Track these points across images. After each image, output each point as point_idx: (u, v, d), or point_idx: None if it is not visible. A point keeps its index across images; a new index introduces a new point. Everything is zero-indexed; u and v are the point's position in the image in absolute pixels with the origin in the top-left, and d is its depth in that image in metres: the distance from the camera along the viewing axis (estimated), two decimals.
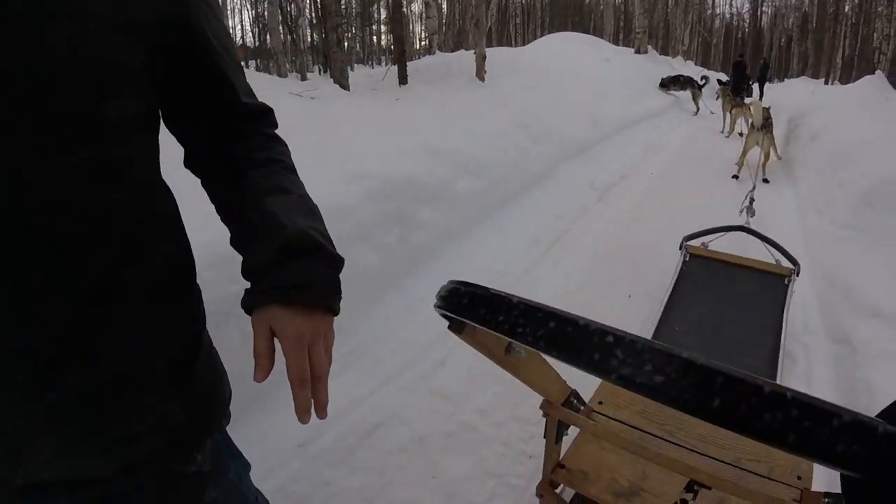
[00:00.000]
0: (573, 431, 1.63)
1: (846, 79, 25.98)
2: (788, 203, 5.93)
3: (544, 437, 1.52)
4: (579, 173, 6.31)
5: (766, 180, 6.66)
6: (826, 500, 1.32)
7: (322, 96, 5.56)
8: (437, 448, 2.34)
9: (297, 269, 0.70)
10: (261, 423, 2.34)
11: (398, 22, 9.31)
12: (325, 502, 2.05)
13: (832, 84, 22.77)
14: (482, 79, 7.70)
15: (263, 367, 0.67)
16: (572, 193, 5.68)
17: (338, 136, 4.15)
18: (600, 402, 1.83)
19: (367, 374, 2.77)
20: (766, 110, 7.09)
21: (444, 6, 25.64)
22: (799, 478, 1.57)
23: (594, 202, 5.68)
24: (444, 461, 2.27)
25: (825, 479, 2.15)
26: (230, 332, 2.48)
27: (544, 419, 1.49)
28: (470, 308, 0.71)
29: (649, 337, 2.78)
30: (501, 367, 1.10)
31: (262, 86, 5.33)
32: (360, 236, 3.30)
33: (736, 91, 11.94)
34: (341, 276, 0.78)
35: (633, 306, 3.61)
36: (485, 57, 7.84)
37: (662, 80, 13.48)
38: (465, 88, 7.02)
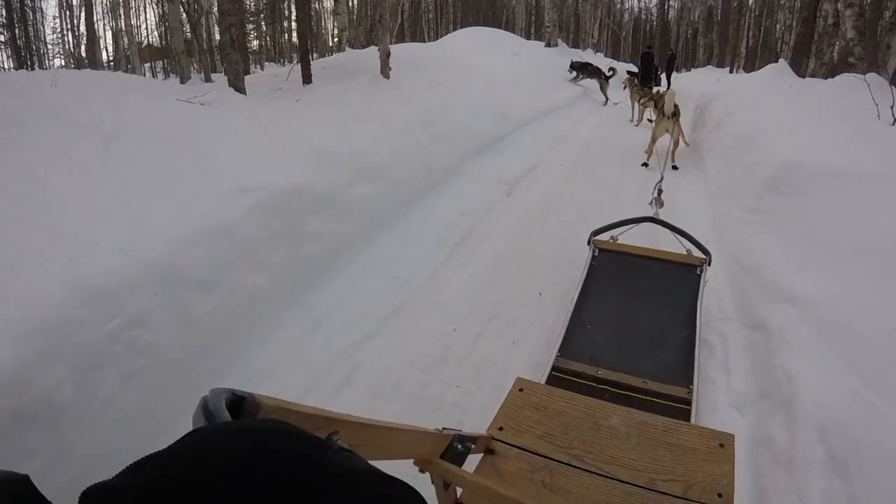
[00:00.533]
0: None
1: (750, 68, 27.31)
2: (698, 189, 6.08)
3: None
4: (486, 168, 6.29)
5: (675, 167, 6.82)
6: None
7: (214, 101, 5.27)
8: None
9: None
10: None
11: (302, 19, 9.08)
12: None
13: (737, 73, 23.83)
14: (387, 76, 7.56)
15: None
16: (479, 189, 5.64)
17: (222, 147, 3.91)
18: (500, 429, 1.70)
19: None
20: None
21: (355, 2, 25.16)
22: (720, 495, 1.48)
23: (502, 197, 5.66)
24: None
25: (748, 493, 2.16)
26: (109, 376, 2.28)
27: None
28: None
29: (561, 337, 2.74)
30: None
31: (151, 92, 5.03)
32: (247, 256, 3.11)
33: (644, 81, 12.28)
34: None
35: (544, 304, 3.58)
36: (389, 53, 7.69)
37: (573, 62, 13.77)
38: (369, 86, 6.86)
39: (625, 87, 11.27)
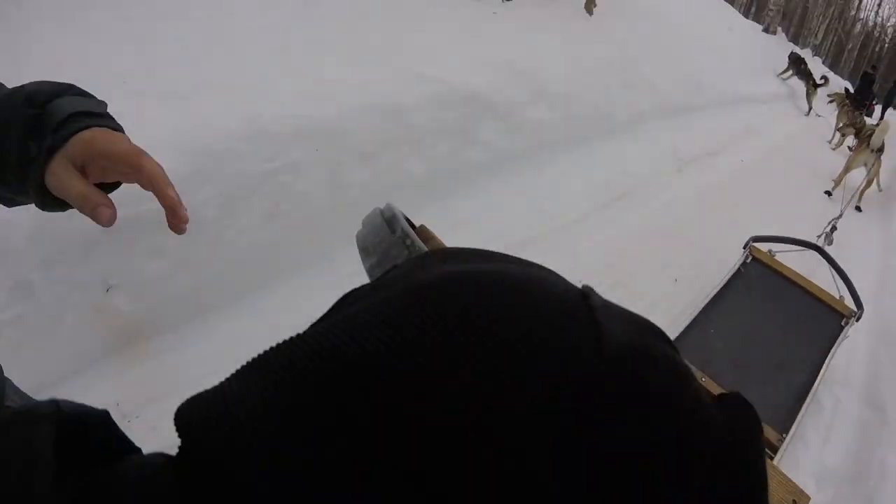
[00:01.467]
0: None
1: None
2: (873, 238, 5.44)
3: None
4: (666, 136, 5.81)
5: (858, 208, 6.15)
6: None
7: None
8: None
9: (64, 103, 0.56)
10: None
11: None
12: None
13: None
14: (590, 12, 7.12)
15: (106, 203, 0.53)
16: (651, 155, 5.24)
17: (413, 34, 3.85)
18: None
19: None
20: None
21: None
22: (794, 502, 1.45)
23: (672, 171, 5.25)
24: None
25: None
26: (252, 210, 2.36)
27: None
28: None
29: (681, 328, 2.57)
30: None
31: None
32: (411, 141, 3.06)
33: (857, 104, 10.78)
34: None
35: (677, 290, 3.39)
36: None
37: (792, 53, 12.31)
38: (570, 18, 6.50)
39: (830, 101, 9.93)
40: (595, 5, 7.18)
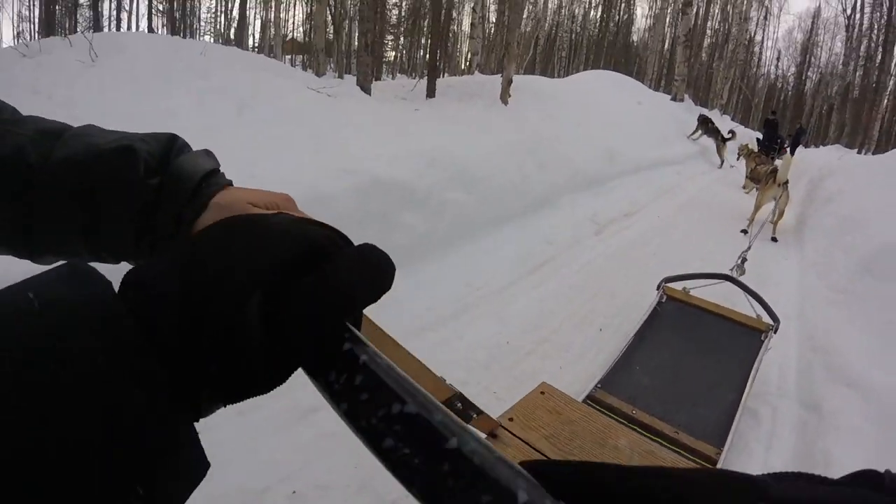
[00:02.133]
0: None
1: (881, 150, 25.51)
2: (791, 264, 5.83)
3: None
4: (583, 205, 6.32)
5: (774, 239, 6.57)
6: None
7: (339, 95, 5.68)
8: None
9: (187, 165, 0.51)
10: None
11: (435, 34, 9.49)
12: None
13: (864, 154, 22.37)
14: (505, 102, 7.79)
15: None
16: (570, 223, 5.69)
17: (338, 132, 4.25)
18: (510, 419, 1.77)
19: None
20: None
21: (492, 29, 25.86)
22: None
23: (590, 235, 5.68)
24: None
25: None
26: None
27: None
28: None
29: (606, 370, 2.74)
30: None
31: (285, 76, 5.52)
32: (336, 227, 3.37)
33: (765, 150, 11.65)
34: None
35: (601, 339, 3.59)
36: (511, 81, 7.94)
37: (700, 115, 13.34)
38: (486, 109, 7.12)
39: (739, 157, 10.64)
40: (510, 96, 7.87)
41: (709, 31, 32.75)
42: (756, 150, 10.71)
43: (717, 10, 32.57)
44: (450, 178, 4.52)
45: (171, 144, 0.51)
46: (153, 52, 4.58)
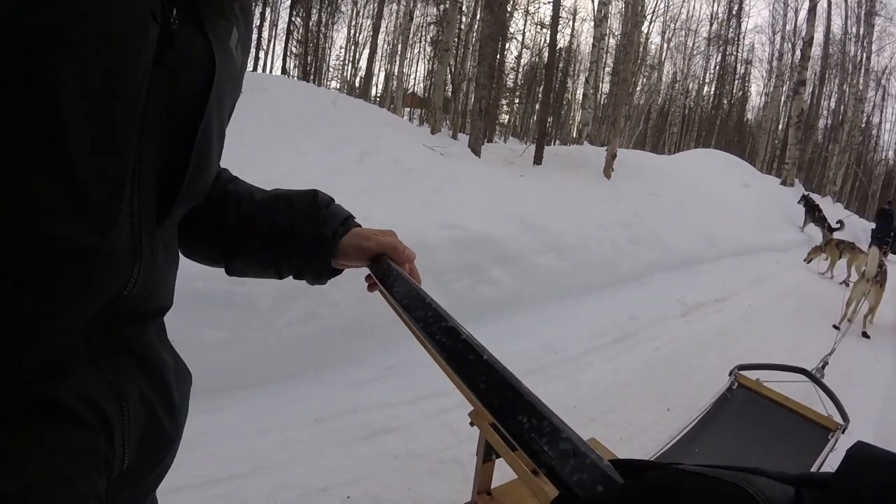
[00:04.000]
0: None
1: None
2: (883, 366, 5.54)
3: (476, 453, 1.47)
4: (672, 285, 6.33)
5: (866, 334, 6.30)
6: None
7: (451, 154, 6.12)
8: None
9: (339, 209, 0.82)
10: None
11: (545, 104, 9.90)
12: None
13: None
14: (608, 176, 8.00)
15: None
16: (657, 301, 5.73)
17: (445, 188, 4.64)
18: None
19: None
20: (882, 259, 6.70)
21: (604, 100, 26.02)
22: None
23: (676, 316, 5.68)
24: None
25: None
26: (299, 306, 2.96)
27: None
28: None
29: (664, 447, 2.79)
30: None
31: (404, 131, 6.04)
32: (433, 273, 3.69)
33: (879, 241, 10.90)
34: None
35: (667, 418, 3.62)
36: (615, 155, 8.16)
37: (804, 195, 12.85)
38: (589, 180, 7.37)
39: (808, 260, 9.82)
40: (613, 169, 8.08)
41: (824, 113, 31.04)
42: (851, 243, 9.78)
43: (833, 90, 30.82)
44: (543, 242, 4.77)
45: (330, 198, 0.82)
46: (291, 96, 5.22)
